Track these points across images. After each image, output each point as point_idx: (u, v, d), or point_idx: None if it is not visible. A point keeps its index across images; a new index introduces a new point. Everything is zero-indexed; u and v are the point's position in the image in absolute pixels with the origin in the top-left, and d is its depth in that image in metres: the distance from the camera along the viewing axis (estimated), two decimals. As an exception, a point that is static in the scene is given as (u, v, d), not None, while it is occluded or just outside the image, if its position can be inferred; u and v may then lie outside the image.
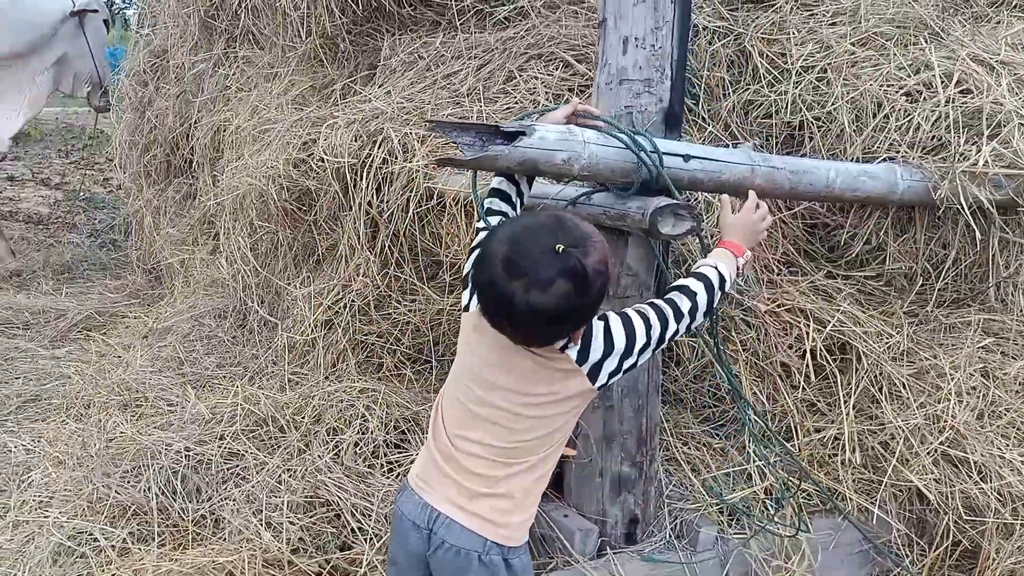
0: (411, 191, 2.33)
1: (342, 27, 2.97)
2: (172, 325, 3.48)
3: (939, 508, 2.04)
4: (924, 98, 2.18)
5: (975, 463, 2.05)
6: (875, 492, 2.05)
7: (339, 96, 2.88)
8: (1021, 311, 2.27)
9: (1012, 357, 2.23)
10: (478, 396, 1.41)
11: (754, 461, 2.01)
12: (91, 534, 2.16)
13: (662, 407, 2.10)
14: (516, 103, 2.33)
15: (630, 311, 1.44)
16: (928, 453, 2.03)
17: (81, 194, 7.83)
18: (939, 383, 2.07)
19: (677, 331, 1.46)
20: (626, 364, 1.40)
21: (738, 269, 1.57)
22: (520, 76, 2.38)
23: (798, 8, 2.41)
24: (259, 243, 3.01)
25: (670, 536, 1.94)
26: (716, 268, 1.53)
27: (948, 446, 2.04)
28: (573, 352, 1.37)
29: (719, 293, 1.52)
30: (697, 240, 1.87)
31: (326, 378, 2.53)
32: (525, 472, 1.40)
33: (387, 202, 2.40)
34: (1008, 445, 2.11)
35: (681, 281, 1.52)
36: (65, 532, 2.17)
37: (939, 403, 2.05)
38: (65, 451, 2.57)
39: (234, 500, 2.24)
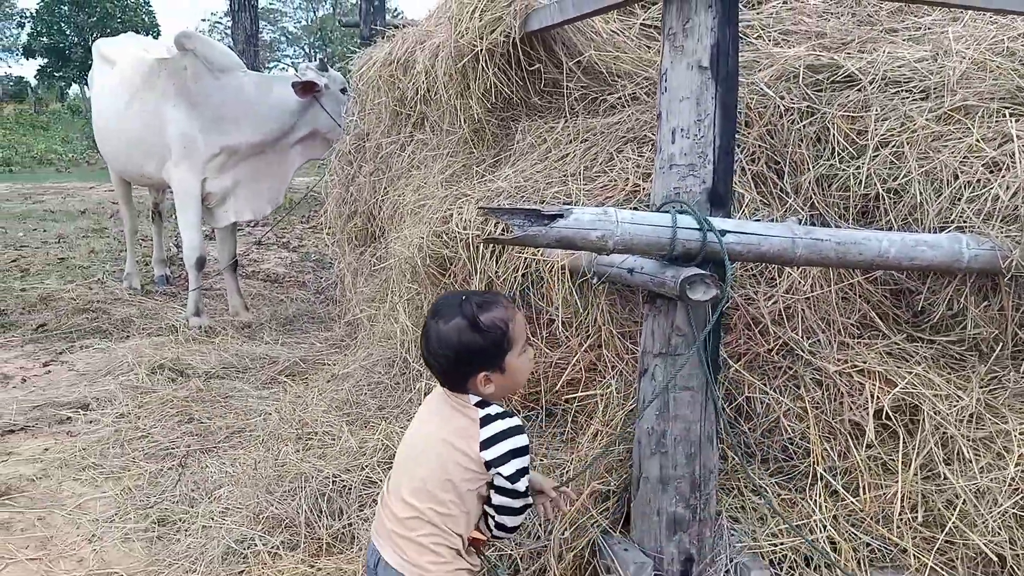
0: (521, 260, 2.70)
1: (485, 115, 3.43)
2: (351, 372, 4.08)
3: (1014, 571, 2.04)
4: (1007, 168, 2.22)
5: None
6: (943, 553, 2.09)
7: (478, 175, 3.32)
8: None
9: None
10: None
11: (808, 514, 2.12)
12: (252, 540, 2.69)
13: (731, 459, 2.28)
14: (611, 181, 2.64)
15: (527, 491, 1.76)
16: (995, 515, 2.03)
17: (312, 256, 9.02)
18: (1007, 446, 2.07)
19: (498, 520, 1.78)
20: (502, 467, 1.70)
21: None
22: (617, 157, 2.69)
23: (886, 86, 2.52)
24: (412, 302, 3.50)
25: (727, 573, 2.10)
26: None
27: (1018, 509, 2.04)
28: (485, 433, 1.71)
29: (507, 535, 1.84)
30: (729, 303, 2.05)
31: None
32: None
33: (504, 268, 2.78)
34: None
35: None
36: (233, 537, 2.72)
37: (1008, 467, 2.05)
38: (245, 473, 3.16)
39: (366, 520, 2.69)
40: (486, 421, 1.73)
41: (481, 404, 1.75)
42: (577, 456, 2.36)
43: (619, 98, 2.91)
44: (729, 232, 1.98)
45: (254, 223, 10.86)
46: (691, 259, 1.97)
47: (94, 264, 7.90)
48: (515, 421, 1.75)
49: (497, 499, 1.75)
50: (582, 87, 3.06)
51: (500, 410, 1.76)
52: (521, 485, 1.73)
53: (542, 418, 2.82)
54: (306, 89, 5.56)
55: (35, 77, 38.37)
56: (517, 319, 1.75)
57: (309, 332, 5.98)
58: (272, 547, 2.67)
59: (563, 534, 2.23)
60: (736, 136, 2.51)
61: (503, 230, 1.88)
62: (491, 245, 2.82)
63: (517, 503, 1.76)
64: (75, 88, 36.61)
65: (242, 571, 2.61)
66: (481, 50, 3.14)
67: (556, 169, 2.85)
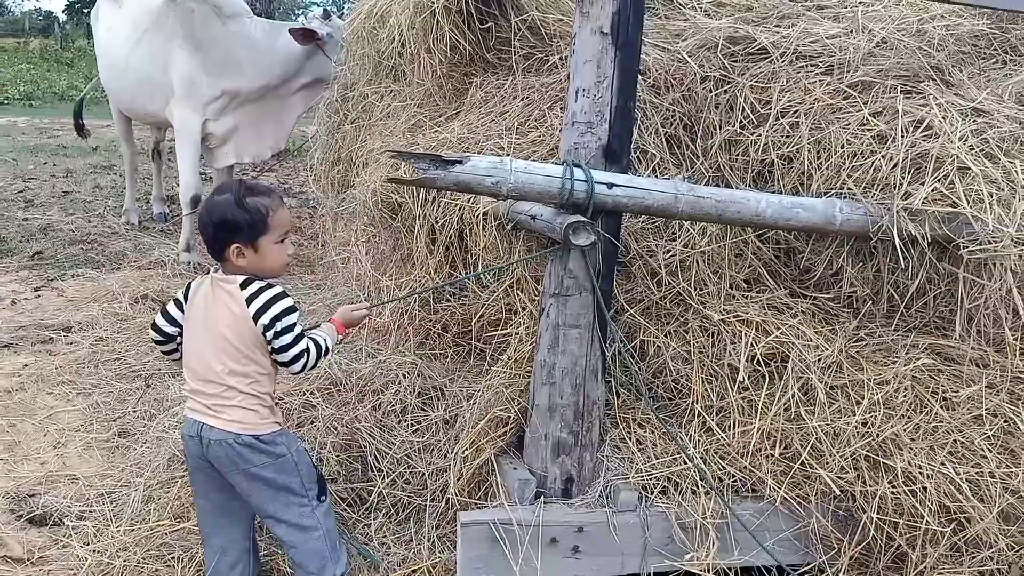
0: (456, 207, 2.91)
1: (446, 69, 3.61)
2: (315, 309, 4.33)
3: (862, 508, 2.26)
4: (892, 141, 2.40)
5: (902, 470, 2.24)
6: (798, 487, 2.31)
7: (433, 127, 3.52)
8: (982, 341, 2.38)
9: (968, 384, 2.37)
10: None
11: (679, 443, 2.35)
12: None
13: (622, 394, 2.51)
14: (540, 136, 2.83)
15: (303, 337, 2.14)
16: (847, 456, 2.25)
17: (311, 202, 9.24)
18: (862, 395, 2.28)
19: (292, 362, 2.12)
20: (271, 334, 2.07)
21: (338, 339, 2.31)
22: (549, 114, 2.88)
23: (796, 59, 2.69)
24: (370, 244, 3.73)
25: (600, 495, 2.34)
26: (325, 341, 2.21)
27: (870, 451, 2.25)
28: (247, 292, 2.07)
29: (323, 360, 2.22)
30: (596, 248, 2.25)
31: (392, 353, 3.17)
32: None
33: (442, 213, 2.99)
34: (945, 458, 2.27)
35: (310, 339, 2.17)
36: (178, 446, 2.98)
37: (865, 413, 2.27)
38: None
39: (301, 437, 2.94)
40: (244, 285, 2.07)
41: (244, 284, 2.08)
42: (485, 385, 2.59)
43: (560, 59, 3.09)
44: (617, 186, 2.18)
45: (257, 168, 11.11)
46: (580, 208, 2.17)
47: (97, 199, 8.16)
48: (275, 289, 2.09)
49: (280, 354, 2.10)
50: (529, 46, 3.23)
51: (260, 283, 2.09)
52: (288, 334, 2.07)
53: (472, 354, 3.06)
54: (306, 36, 5.64)
55: (63, 12, 38.52)
56: (280, 212, 2.10)
57: (295, 274, 6.22)
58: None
59: (463, 453, 2.47)
60: (655, 100, 2.71)
61: (411, 174, 2.08)
62: (430, 191, 3.03)
63: (294, 349, 2.09)
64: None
65: (182, 475, 2.87)
66: (438, 6, 3.31)
67: (496, 123, 3.05)
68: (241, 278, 2.09)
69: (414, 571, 2.47)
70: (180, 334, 2.25)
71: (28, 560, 2.65)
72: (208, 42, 5.68)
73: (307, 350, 2.13)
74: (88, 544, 2.67)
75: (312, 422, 2.96)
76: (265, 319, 2.06)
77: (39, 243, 6.29)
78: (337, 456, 2.76)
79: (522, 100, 3.05)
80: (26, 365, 4.09)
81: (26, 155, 10.55)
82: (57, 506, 2.90)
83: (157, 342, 2.32)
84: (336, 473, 2.76)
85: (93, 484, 3.04)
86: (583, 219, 2.10)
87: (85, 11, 37.01)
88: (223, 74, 5.72)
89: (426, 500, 2.62)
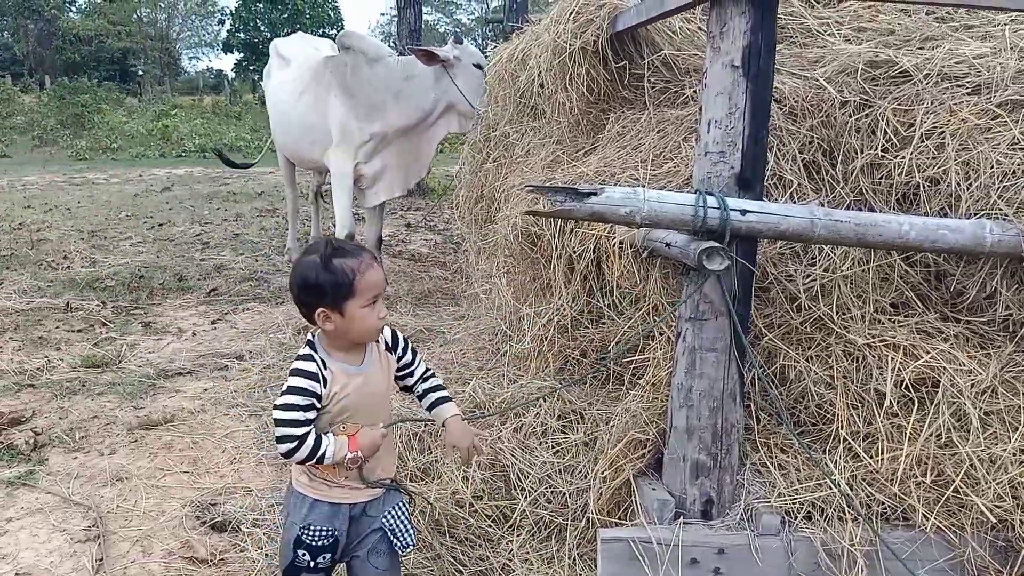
0: (592, 236, 3.02)
1: (583, 107, 3.75)
2: (460, 338, 4.54)
3: (1022, 537, 2.16)
4: (1045, 157, 2.31)
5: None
6: (951, 515, 2.23)
7: (571, 161, 3.66)
8: None
9: None
10: None
11: (827, 471, 2.33)
12: (358, 463, 3.19)
13: (762, 419, 2.52)
14: (675, 167, 2.90)
15: (286, 424, 1.93)
16: (1004, 484, 2.16)
17: (455, 238, 9.63)
18: (1020, 421, 2.18)
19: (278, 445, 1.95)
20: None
21: (344, 457, 1.97)
22: (683, 145, 2.95)
23: (940, 80, 2.64)
24: (510, 275, 3.89)
25: (741, 518, 2.35)
26: (328, 447, 1.95)
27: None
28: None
29: (317, 460, 1.95)
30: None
31: (532, 379, 3.30)
32: None
33: (579, 244, 3.11)
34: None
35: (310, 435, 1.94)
36: (344, 460, 3.24)
37: (1017, 439, 2.17)
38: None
39: (445, 455, 3.11)
40: (295, 361, 1.99)
41: (306, 344, 2.01)
42: (623, 408, 2.66)
43: (693, 92, 3.16)
44: (750, 212, 2.22)
45: (405, 208, 11.68)
46: (714, 235, 2.23)
47: (263, 240, 8.85)
48: (304, 364, 1.95)
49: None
50: (663, 81, 3.32)
51: (306, 351, 1.99)
52: (277, 412, 1.93)
53: (609, 377, 3.14)
54: (428, 57, 5.75)
55: (232, 70, 42.09)
56: (368, 274, 1.93)
57: (440, 306, 6.51)
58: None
59: (603, 474, 2.55)
60: (791, 128, 2.73)
61: (548, 206, 2.22)
62: (568, 223, 3.16)
63: (276, 431, 1.94)
64: (266, 81, 39.73)
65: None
66: (575, 48, 3.47)
67: (631, 156, 3.15)
68: (310, 338, 2.03)
69: (557, 587, 2.56)
70: None
71: (211, 561, 2.93)
72: (357, 90, 6.08)
73: (293, 440, 1.93)
74: (261, 548, 2.93)
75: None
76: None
77: (214, 281, 6.90)
78: (481, 475, 2.90)
79: (657, 133, 3.14)
80: (206, 389, 4.51)
81: (202, 202, 11.58)
82: (235, 514, 3.19)
83: None
84: (481, 491, 2.89)
85: (265, 495, 3.32)
86: (717, 245, 2.16)
87: (251, 68, 40.32)
88: (372, 118, 6.10)
89: (567, 519, 2.71)
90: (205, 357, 5.02)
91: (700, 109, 2.36)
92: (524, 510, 2.75)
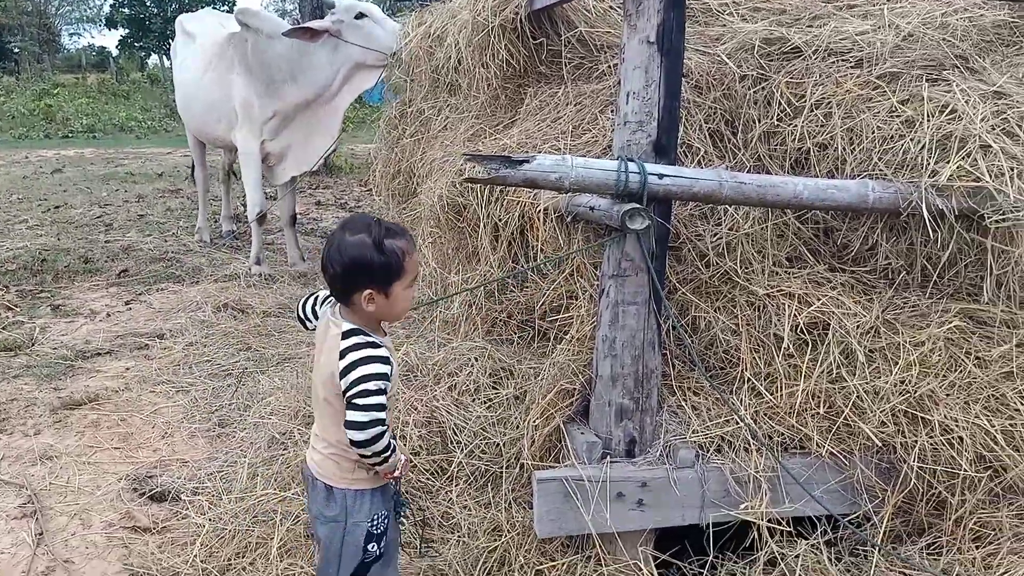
0: (517, 204, 3.20)
1: (501, 82, 3.92)
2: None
3: (903, 459, 2.48)
4: (918, 126, 2.63)
5: (939, 423, 2.46)
6: (841, 441, 2.54)
7: (493, 135, 3.82)
8: (1012, 304, 2.59)
9: (999, 343, 2.58)
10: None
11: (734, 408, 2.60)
12: (292, 432, 3.29)
13: (677, 366, 2.77)
14: (593, 138, 3.11)
15: (376, 410, 1.86)
16: (887, 412, 2.48)
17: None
18: (899, 356, 2.50)
19: (352, 433, 1.86)
20: (345, 393, 1.86)
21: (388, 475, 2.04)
22: (600, 117, 3.16)
23: (827, 55, 2.93)
24: (435, 245, 4.04)
25: (661, 454, 2.60)
26: (393, 443, 1.97)
27: (909, 407, 2.48)
28: (346, 343, 1.88)
29: (380, 456, 1.92)
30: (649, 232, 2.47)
31: (461, 341, 3.47)
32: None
33: (505, 212, 3.29)
34: (980, 412, 2.49)
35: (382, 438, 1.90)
36: (277, 430, 3.33)
37: (902, 372, 2.49)
38: (290, 383, 3.78)
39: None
40: (347, 335, 1.89)
41: (346, 334, 1.89)
42: (551, 362, 2.87)
43: (609, 67, 3.37)
44: (666, 176, 2.44)
45: (313, 185, 11.57)
46: (634, 197, 2.44)
47: (170, 220, 8.67)
48: (376, 351, 1.87)
49: (347, 414, 1.86)
50: (579, 57, 3.52)
51: (362, 338, 1.89)
52: (361, 399, 1.83)
53: (535, 337, 3.34)
54: (312, 34, 5.65)
55: (116, 47, 40.06)
56: (414, 256, 1.91)
57: (358, 282, 6.59)
58: (306, 437, 3.26)
59: (534, 423, 2.75)
60: (697, 100, 2.98)
61: (484, 173, 2.38)
62: (493, 193, 3.33)
63: (360, 416, 1.84)
64: (154, 58, 38.04)
65: (282, 453, 3.20)
66: (494, 25, 3.62)
67: (551, 128, 3.34)
68: (347, 326, 1.92)
69: (495, 528, 2.75)
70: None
71: (154, 529, 3.00)
72: (257, 67, 6.04)
73: (375, 430, 1.87)
74: (204, 514, 3.01)
75: (394, 404, 3.27)
76: (346, 382, 1.87)
77: (123, 262, 6.76)
78: (419, 432, 3.06)
79: (575, 106, 3.34)
80: (128, 368, 4.49)
81: (98, 183, 11.18)
82: (173, 485, 3.26)
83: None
84: (419, 447, 3.05)
85: (202, 466, 3.39)
86: (637, 206, 2.37)
87: (137, 45, 38.49)
88: (273, 95, 6.06)
89: (502, 467, 2.90)
90: (123, 337, 4.97)
91: (619, 82, 2.56)
92: (461, 462, 2.93)
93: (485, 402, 3.08)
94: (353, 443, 1.88)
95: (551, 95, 3.61)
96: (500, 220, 3.36)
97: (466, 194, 3.54)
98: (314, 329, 2.16)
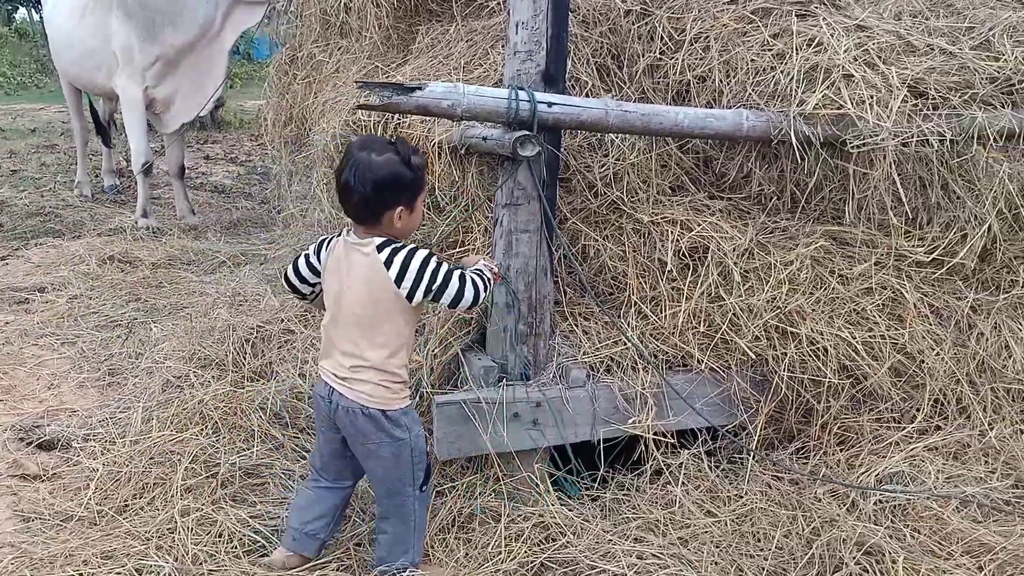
0: (414, 142, 3.22)
1: (392, 22, 3.90)
2: (282, 255, 4.61)
3: (774, 370, 2.68)
4: (788, 59, 2.78)
5: (806, 336, 2.66)
6: (720, 357, 2.71)
7: (385, 74, 3.80)
8: (871, 226, 2.80)
9: (860, 262, 2.79)
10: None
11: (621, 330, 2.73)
12: (187, 375, 3.25)
13: (568, 292, 2.88)
14: (485, 72, 3.15)
15: (454, 272, 2.12)
16: (760, 327, 2.66)
17: (259, 168, 9.39)
18: (770, 275, 2.68)
19: (460, 300, 2.14)
20: (420, 293, 2.06)
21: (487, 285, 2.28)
22: (491, 52, 3.20)
23: (707, -8, 3.05)
24: (330, 186, 4.01)
25: (554, 375, 2.71)
26: (485, 276, 2.26)
27: (779, 322, 2.67)
28: (384, 255, 2.05)
29: (486, 294, 2.24)
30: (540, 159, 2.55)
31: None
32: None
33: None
34: (842, 325, 2.70)
35: (475, 272, 2.22)
36: (172, 374, 3.28)
37: (773, 290, 2.67)
38: (183, 328, 3.71)
39: (283, 359, 3.25)
40: (381, 248, 2.04)
41: (381, 247, 2.04)
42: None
43: (497, 3, 3.40)
44: (555, 104, 2.52)
45: (202, 141, 11.17)
46: (525, 126, 2.50)
47: (46, 176, 8.22)
48: (422, 250, 2.06)
49: (445, 301, 2.10)
50: (469, -6, 3.54)
51: (395, 244, 2.06)
52: (438, 280, 2.06)
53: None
54: None
55: (-24, -2, 37.09)
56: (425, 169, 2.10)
57: (252, 233, 6.45)
58: (203, 379, 3.23)
59: (433, 351, 2.81)
60: (585, 34, 3.05)
61: (377, 100, 2.38)
62: (387, 130, 3.33)
63: (452, 291, 2.10)
64: (22, 12, 35.45)
65: (177, 395, 3.16)
66: (383, -39, 3.59)
67: (444, 64, 3.35)
68: (377, 240, 2.05)
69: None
70: (316, 285, 2.28)
71: (43, 477, 2.92)
72: (136, 9, 5.76)
73: (469, 290, 2.13)
74: (96, 459, 2.95)
75: (292, 343, 3.28)
76: (408, 280, 2.03)
77: (-4, 217, 6.40)
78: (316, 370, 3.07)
79: (466, 42, 3.36)
80: (7, 322, 4.29)
81: (-36, 139, 10.46)
82: (62, 433, 3.17)
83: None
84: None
85: (93, 413, 3.31)
86: (529, 133, 2.44)
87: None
88: (153, 39, 5.81)
89: (403, 397, 2.96)
90: (1, 292, 4.73)
91: (508, 12, 2.61)
92: (361, 394, 2.97)
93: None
94: (469, 308, 2.18)
95: (443, 32, 3.61)
96: (394, 158, 3.37)
97: (359, 132, 3.53)
98: (309, 296, 2.32)
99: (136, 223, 6.19)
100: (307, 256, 2.26)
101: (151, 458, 2.88)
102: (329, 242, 2.23)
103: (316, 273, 2.25)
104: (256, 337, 3.39)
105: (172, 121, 6.22)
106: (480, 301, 2.19)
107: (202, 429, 2.96)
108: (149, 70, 5.92)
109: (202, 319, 3.77)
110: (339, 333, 2.14)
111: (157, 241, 5.82)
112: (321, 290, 2.27)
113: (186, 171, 6.90)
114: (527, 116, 2.48)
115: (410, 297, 2.08)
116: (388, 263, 2.04)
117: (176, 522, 2.53)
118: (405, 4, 3.77)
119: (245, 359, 3.31)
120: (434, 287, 2.08)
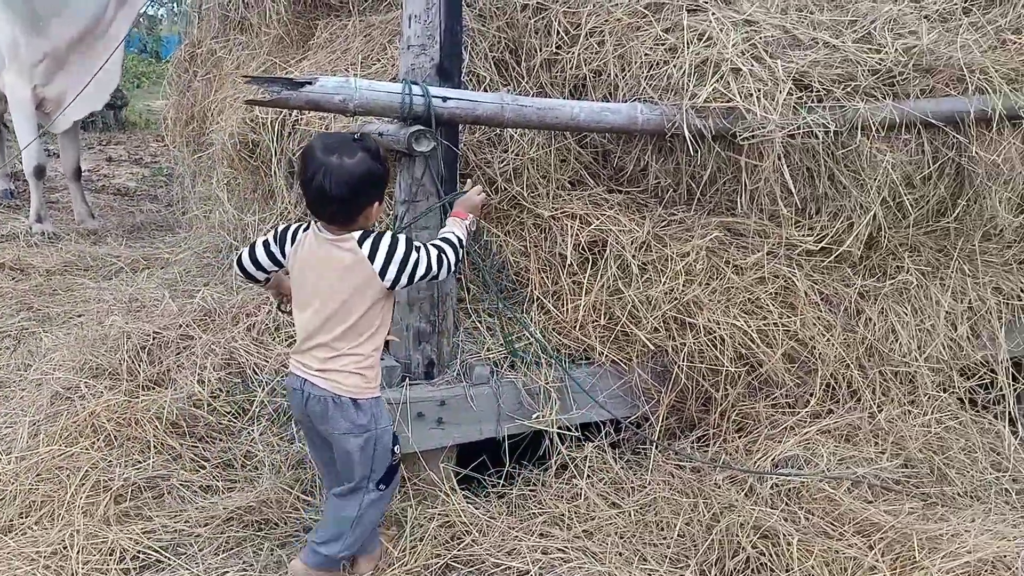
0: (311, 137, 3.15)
1: (291, 17, 3.81)
2: (183, 258, 4.47)
3: (674, 361, 2.72)
4: (680, 53, 2.82)
5: (703, 326, 2.71)
6: (622, 349, 2.74)
7: (283, 70, 3.71)
8: (763, 216, 2.87)
9: (753, 252, 2.86)
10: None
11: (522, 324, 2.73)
12: (78, 386, 3.11)
13: (471, 291, 2.86)
14: (383, 67, 3.10)
15: (424, 245, 2.15)
16: (658, 318, 2.70)
17: (165, 170, 9.08)
18: (667, 267, 2.73)
19: (437, 275, 2.17)
20: (404, 279, 2.09)
21: (467, 228, 2.33)
22: (389, 47, 3.15)
23: (603, -13, 3.07)
24: (231, 186, 3.90)
25: (458, 373, 2.69)
26: (456, 234, 2.26)
27: (677, 313, 2.71)
28: (366, 249, 2.06)
29: (462, 250, 2.26)
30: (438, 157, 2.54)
31: (261, 281, 3.39)
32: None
33: (299, 146, 3.23)
34: (738, 314, 2.76)
35: (441, 240, 2.23)
36: (61, 384, 3.13)
37: (670, 282, 2.72)
38: (74, 337, 3.55)
39: (181, 366, 3.14)
40: (362, 241, 2.05)
41: (361, 240, 2.05)
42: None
43: (397, -1, 3.36)
44: (450, 99, 2.49)
45: (104, 142, 10.74)
46: (421, 120, 2.47)
47: (-70, 180, 7.75)
48: (385, 233, 2.09)
49: (439, 272, 2.14)
50: (367, -11, 3.49)
51: (373, 234, 2.07)
52: (424, 262, 2.10)
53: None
54: None
55: None
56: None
57: (155, 237, 6.23)
58: (95, 390, 3.09)
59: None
60: (482, 28, 3.04)
61: (266, 96, 2.32)
62: (284, 128, 3.26)
63: (443, 264, 2.15)
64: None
65: (66, 408, 3.02)
66: (279, -44, 3.50)
67: (341, 59, 3.29)
68: (356, 234, 2.07)
69: (301, 462, 2.76)
70: (271, 273, 2.27)
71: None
72: (20, 5, 5.48)
73: (439, 257, 2.15)
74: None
75: (191, 349, 3.17)
76: (393, 268, 2.06)
77: None
78: (218, 375, 2.99)
79: (364, 37, 3.31)
80: None
81: None
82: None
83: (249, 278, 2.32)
84: (218, 390, 2.99)
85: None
86: (424, 128, 2.41)
87: None
88: (41, 33, 5.52)
89: (304, 401, 2.89)
90: None
91: (402, 6, 2.57)
92: (263, 400, 2.90)
93: (285, 339, 3.05)
94: (445, 276, 2.23)
95: (341, 27, 3.55)
96: (294, 155, 3.29)
97: (258, 130, 3.44)
98: (263, 282, 2.31)
99: (31, 228, 5.90)
100: (267, 244, 2.21)
101: (38, 475, 2.74)
102: (294, 233, 2.18)
103: (278, 264, 2.23)
104: (152, 344, 3.26)
105: (63, 120, 5.93)
106: (455, 268, 2.25)
107: (93, 442, 2.84)
108: (37, 67, 5.63)
109: (95, 327, 3.61)
110: (315, 326, 2.12)
111: (53, 247, 5.55)
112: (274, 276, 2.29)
113: (84, 173, 6.61)
114: (422, 111, 2.45)
115: (393, 286, 2.11)
116: (372, 256, 2.06)
117: (65, 542, 2.42)
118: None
119: (140, 367, 3.18)
120: (417, 274, 2.12)
